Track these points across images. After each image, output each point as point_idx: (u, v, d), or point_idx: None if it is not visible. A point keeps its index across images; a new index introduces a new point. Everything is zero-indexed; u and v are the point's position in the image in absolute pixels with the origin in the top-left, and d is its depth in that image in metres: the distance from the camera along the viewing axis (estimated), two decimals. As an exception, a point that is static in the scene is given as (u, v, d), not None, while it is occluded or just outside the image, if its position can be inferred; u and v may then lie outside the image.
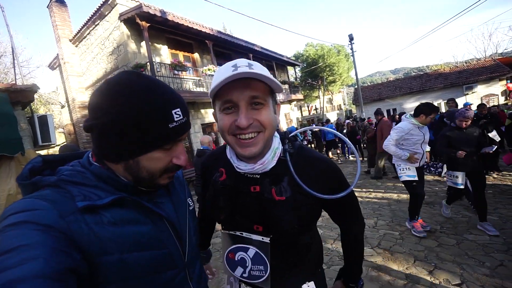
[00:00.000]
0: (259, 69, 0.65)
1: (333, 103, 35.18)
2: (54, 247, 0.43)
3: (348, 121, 11.10)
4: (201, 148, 3.87)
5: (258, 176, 0.76)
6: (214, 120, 8.21)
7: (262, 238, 0.76)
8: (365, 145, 9.57)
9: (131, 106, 0.53)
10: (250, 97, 0.65)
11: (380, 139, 5.65)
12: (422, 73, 20.78)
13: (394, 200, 4.53)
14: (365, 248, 2.97)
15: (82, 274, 0.46)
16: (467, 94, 15.10)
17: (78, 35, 9.12)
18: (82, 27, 8.88)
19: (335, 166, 0.81)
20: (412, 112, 3.13)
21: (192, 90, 8.83)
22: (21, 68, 7.57)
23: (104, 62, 8.66)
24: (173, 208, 0.69)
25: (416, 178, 3.05)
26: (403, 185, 5.35)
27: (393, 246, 2.98)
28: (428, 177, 5.76)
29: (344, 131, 9.36)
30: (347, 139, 0.86)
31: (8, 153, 3.30)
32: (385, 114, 17.91)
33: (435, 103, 15.77)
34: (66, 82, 9.76)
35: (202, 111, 9.58)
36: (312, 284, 0.84)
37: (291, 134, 0.85)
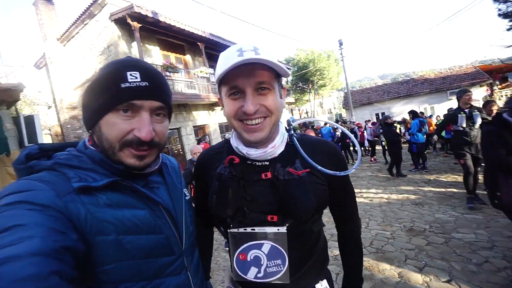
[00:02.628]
0: (265, 53, 0.64)
1: (324, 107, 35.74)
2: (50, 226, 0.43)
3: (337, 125, 11.27)
4: (192, 159, 3.80)
5: (268, 163, 0.74)
6: (205, 123, 8.08)
7: (278, 229, 0.72)
8: (354, 149, 9.74)
9: (95, 77, 0.60)
10: (256, 83, 0.64)
11: None
12: (408, 78, 21.45)
13: (385, 202, 4.64)
14: (357, 248, 3.05)
15: (79, 253, 0.46)
16: (451, 99, 15.67)
17: (66, 34, 8.88)
18: (71, 26, 8.66)
19: (337, 148, 0.83)
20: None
21: (184, 92, 8.76)
22: (5, 67, 7.29)
23: (93, 62, 8.47)
24: (168, 195, 0.69)
25: None
26: (392, 187, 5.58)
27: (385, 245, 3.04)
28: (416, 176, 5.95)
29: (337, 133, 9.51)
30: (353, 137, 0.84)
31: (-7, 153, 3.17)
32: (374, 118, 18.41)
33: (422, 108, 16.34)
34: (53, 82, 9.47)
35: (194, 113, 9.52)
36: (325, 283, 0.83)
37: (293, 124, 0.87)
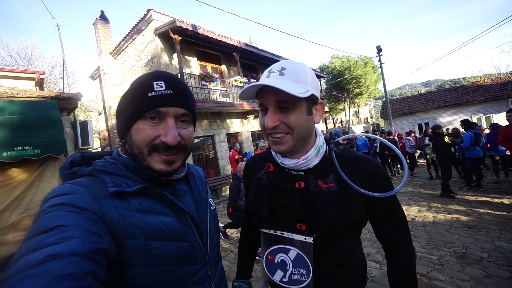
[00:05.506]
0: (290, 74, 0.68)
1: (360, 116, 34.14)
2: (87, 229, 0.46)
3: (376, 136, 10.64)
4: (238, 175, 3.88)
5: (303, 173, 0.77)
6: (238, 130, 8.24)
7: (305, 238, 0.73)
8: (390, 160, 9.02)
9: (127, 90, 0.63)
10: (277, 101, 0.68)
11: None
12: (458, 85, 19.50)
13: (430, 222, 4.18)
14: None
15: (112, 255, 0.48)
16: (512, 108, 13.84)
17: (117, 48, 9.89)
18: (121, 41, 9.63)
19: (381, 167, 0.78)
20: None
21: (218, 100, 9.08)
22: (68, 79, 8.34)
23: (138, 73, 9.25)
24: (194, 204, 0.71)
25: None
26: (439, 205, 5.01)
27: (431, 271, 2.71)
28: (467, 195, 5.28)
29: (375, 144, 8.96)
30: (399, 152, 0.82)
31: (54, 154, 3.59)
32: (416, 128, 16.98)
33: (474, 118, 14.66)
34: (104, 91, 10.56)
35: (228, 121, 9.77)
36: None
37: (336, 139, 0.86)
